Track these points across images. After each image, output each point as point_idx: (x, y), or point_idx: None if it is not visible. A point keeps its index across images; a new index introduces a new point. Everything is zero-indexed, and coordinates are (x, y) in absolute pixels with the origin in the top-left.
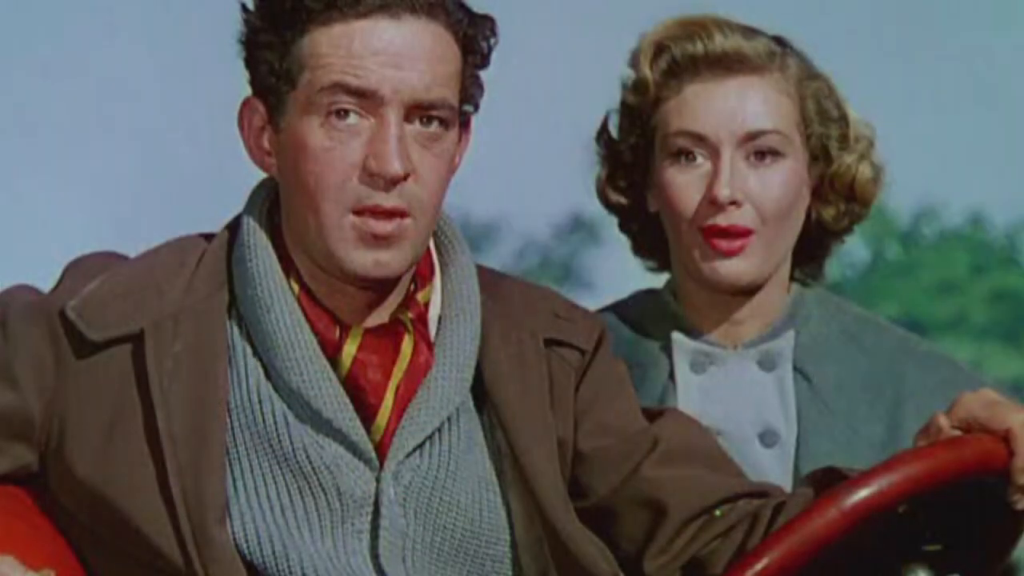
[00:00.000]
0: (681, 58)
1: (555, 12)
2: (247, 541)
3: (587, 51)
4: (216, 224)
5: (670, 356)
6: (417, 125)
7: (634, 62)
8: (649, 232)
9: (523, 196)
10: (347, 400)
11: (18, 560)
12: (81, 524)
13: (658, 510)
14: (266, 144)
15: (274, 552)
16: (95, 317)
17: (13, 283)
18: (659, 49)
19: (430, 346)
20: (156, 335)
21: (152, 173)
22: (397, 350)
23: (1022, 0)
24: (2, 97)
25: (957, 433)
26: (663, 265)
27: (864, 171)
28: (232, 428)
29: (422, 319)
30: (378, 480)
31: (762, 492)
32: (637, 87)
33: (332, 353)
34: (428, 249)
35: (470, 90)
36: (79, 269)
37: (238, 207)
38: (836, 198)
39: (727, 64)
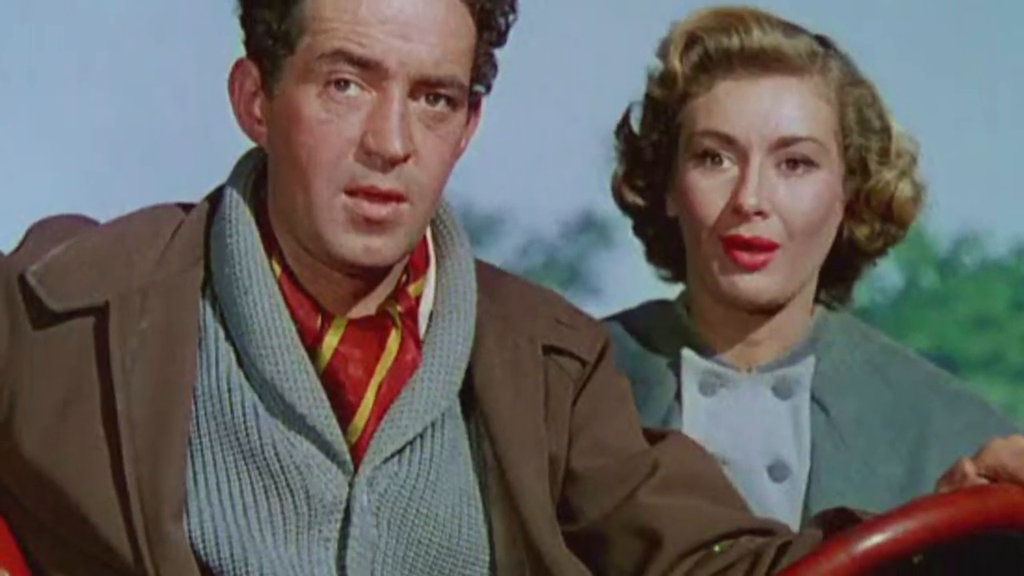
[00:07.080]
0: (714, 52)
1: None
2: (204, 540)
3: (614, 36)
4: (197, 193)
5: (678, 375)
6: (422, 103)
7: (663, 52)
8: (665, 238)
9: (531, 189)
10: (324, 395)
11: None
12: (24, 508)
13: (652, 541)
14: (257, 111)
15: (232, 555)
16: (57, 285)
17: None
18: (691, 40)
19: (418, 344)
20: (122, 309)
21: (132, 131)
22: (382, 346)
23: None
24: None
25: (983, 481)
26: (678, 275)
27: (904, 189)
28: (197, 417)
29: (412, 314)
30: (351, 485)
31: (767, 529)
32: (664, 80)
33: (311, 343)
34: (424, 239)
35: (483, 69)
36: (44, 232)
37: (222, 177)
38: (871, 216)
39: (764, 62)
